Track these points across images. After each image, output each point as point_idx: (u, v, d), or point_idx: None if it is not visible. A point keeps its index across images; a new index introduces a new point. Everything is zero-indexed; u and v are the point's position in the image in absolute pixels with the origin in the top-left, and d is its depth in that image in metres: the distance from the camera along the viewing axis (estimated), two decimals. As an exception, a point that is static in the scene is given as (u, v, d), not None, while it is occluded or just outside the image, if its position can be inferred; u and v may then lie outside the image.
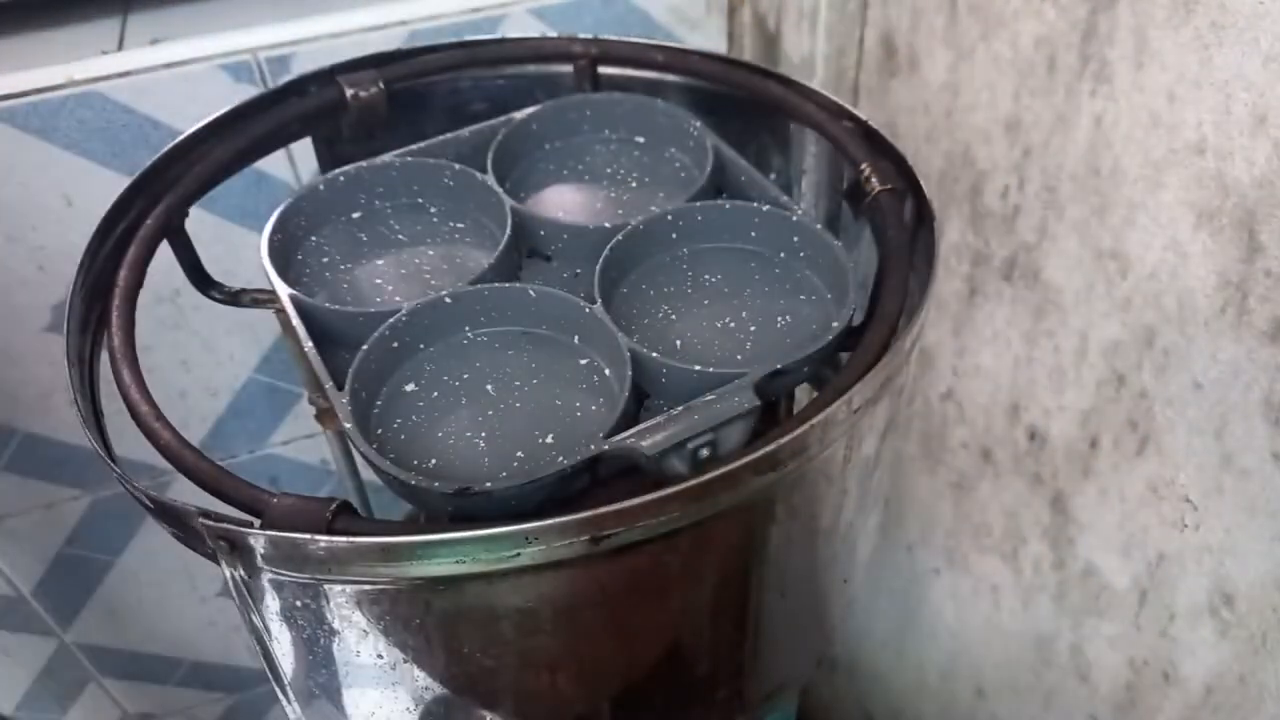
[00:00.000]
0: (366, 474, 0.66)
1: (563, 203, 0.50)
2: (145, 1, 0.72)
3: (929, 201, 0.44)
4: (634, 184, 0.50)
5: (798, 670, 0.50)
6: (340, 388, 0.38)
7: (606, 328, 0.40)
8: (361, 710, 0.41)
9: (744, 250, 0.46)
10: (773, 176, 0.54)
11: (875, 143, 0.48)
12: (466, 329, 0.43)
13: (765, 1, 0.73)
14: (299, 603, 0.36)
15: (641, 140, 0.53)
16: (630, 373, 0.39)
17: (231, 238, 0.72)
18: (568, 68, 0.55)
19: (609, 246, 0.43)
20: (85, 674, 0.93)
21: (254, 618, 0.37)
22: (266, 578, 0.35)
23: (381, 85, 0.52)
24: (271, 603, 0.36)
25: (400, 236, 0.48)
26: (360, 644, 0.37)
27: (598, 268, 0.42)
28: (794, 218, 0.45)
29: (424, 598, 0.35)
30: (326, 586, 0.34)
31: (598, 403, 0.40)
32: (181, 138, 0.49)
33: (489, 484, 0.35)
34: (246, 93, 0.52)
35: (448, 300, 0.42)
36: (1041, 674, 0.66)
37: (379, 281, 0.45)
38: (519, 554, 0.32)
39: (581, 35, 0.55)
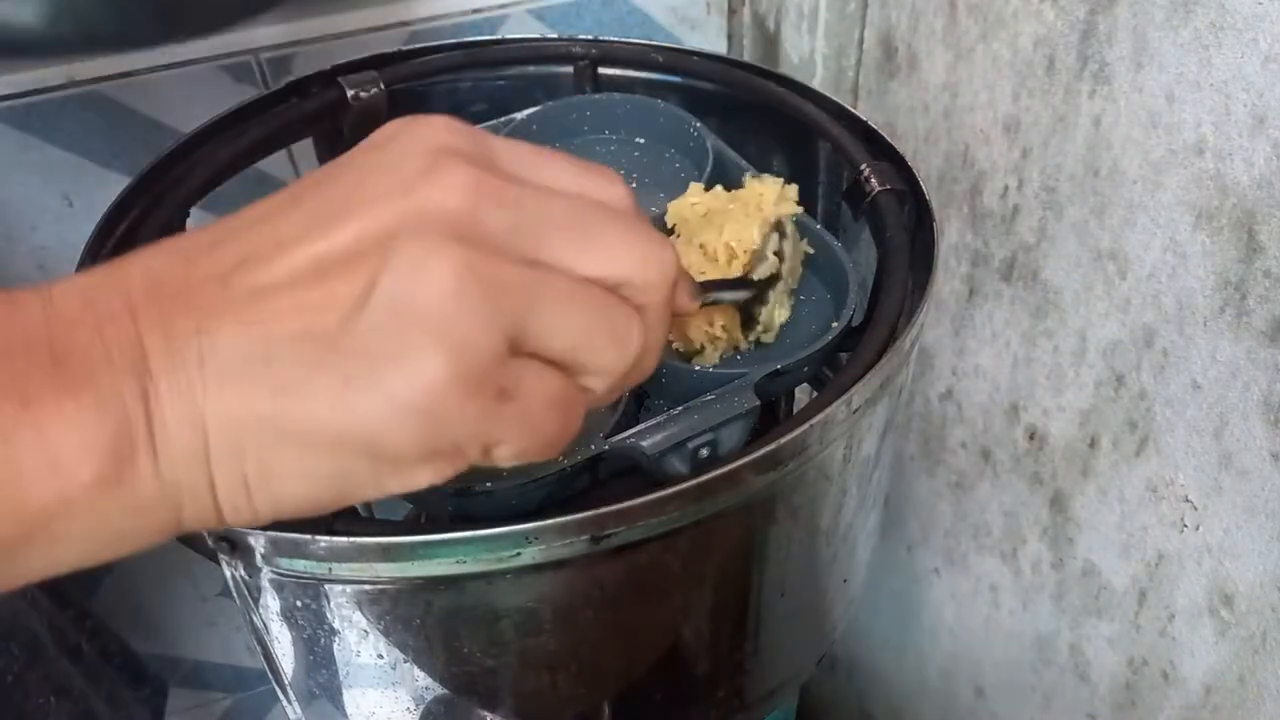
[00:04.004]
0: (367, 474, 0.66)
1: (563, 203, 0.50)
2: (146, 2, 0.72)
3: (928, 202, 0.45)
4: (634, 184, 0.50)
5: (797, 669, 0.50)
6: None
7: (606, 328, 0.40)
8: (362, 710, 0.41)
9: (744, 250, 0.46)
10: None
11: (874, 143, 0.48)
12: (467, 329, 0.43)
13: (765, 2, 0.73)
14: (299, 602, 0.36)
15: (641, 141, 0.53)
16: (630, 373, 0.39)
17: (232, 238, 0.72)
18: (568, 69, 0.55)
19: (609, 247, 0.43)
20: (85, 674, 0.93)
21: (254, 617, 0.37)
22: (267, 577, 0.35)
23: (382, 86, 0.52)
24: (272, 602, 0.36)
25: (400, 237, 0.48)
26: (360, 644, 0.37)
27: (598, 268, 0.42)
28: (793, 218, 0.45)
29: (424, 598, 0.35)
30: (327, 586, 0.34)
31: (598, 403, 0.40)
32: (182, 138, 0.49)
33: (489, 484, 0.35)
34: (247, 93, 0.52)
35: (448, 300, 0.42)
36: (1041, 673, 0.66)
37: (379, 282, 0.45)
38: (519, 554, 0.32)
39: (582, 36, 0.55)
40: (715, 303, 0.39)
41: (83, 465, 0.21)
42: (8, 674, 0.50)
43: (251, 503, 0.23)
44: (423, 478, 0.24)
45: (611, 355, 0.25)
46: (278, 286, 0.22)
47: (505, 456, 0.24)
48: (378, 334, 0.21)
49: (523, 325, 0.23)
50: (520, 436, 0.24)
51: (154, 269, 0.23)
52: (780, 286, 0.41)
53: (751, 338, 0.42)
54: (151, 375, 0.22)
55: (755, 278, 0.40)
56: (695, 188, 0.45)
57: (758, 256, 0.40)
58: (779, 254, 0.40)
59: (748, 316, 0.41)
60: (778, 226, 0.41)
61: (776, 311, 0.41)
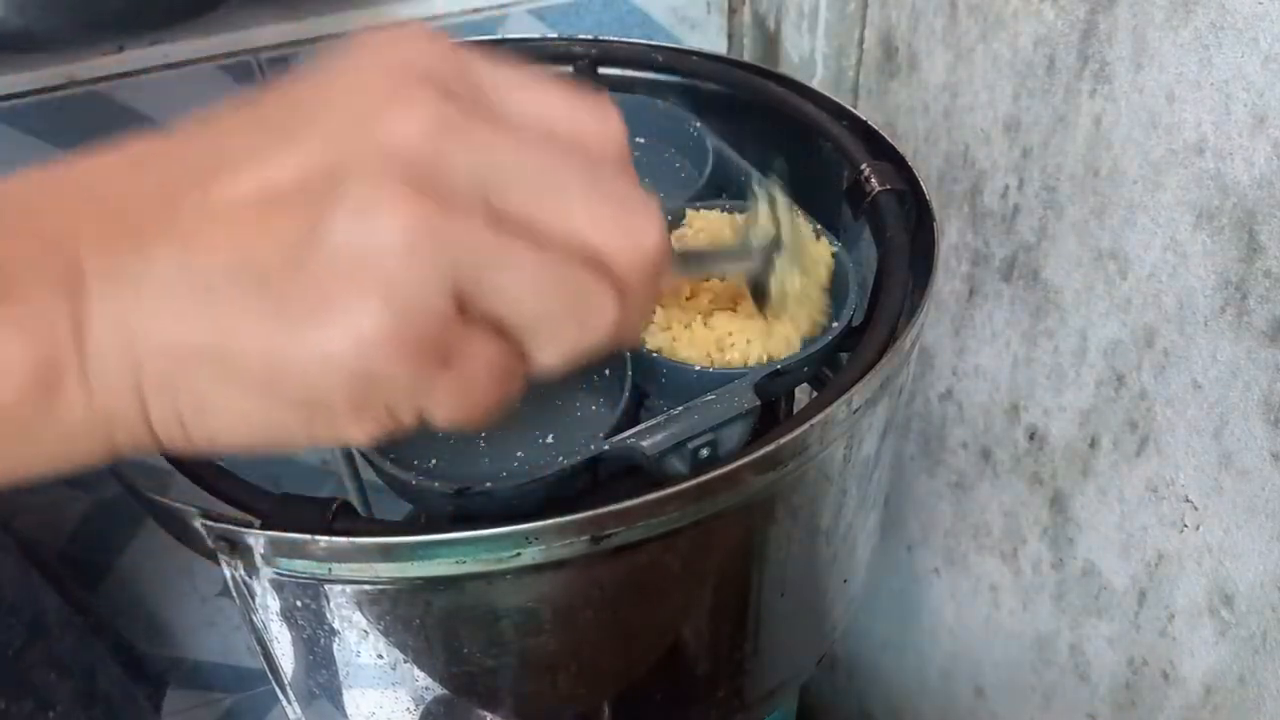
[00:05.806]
0: (367, 474, 0.66)
1: (563, 203, 0.50)
2: (145, 2, 0.72)
3: (928, 202, 0.45)
4: (634, 184, 0.50)
5: (797, 669, 0.50)
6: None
7: (606, 328, 0.40)
8: (362, 710, 0.41)
9: (744, 250, 0.46)
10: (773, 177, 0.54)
11: (875, 143, 0.48)
12: (466, 329, 0.43)
13: (765, 2, 0.73)
14: (299, 603, 0.36)
15: (641, 140, 0.53)
16: (630, 373, 0.39)
17: (232, 238, 0.72)
18: (568, 69, 0.55)
19: (609, 247, 0.43)
20: (85, 674, 0.93)
21: (254, 618, 0.37)
22: (267, 578, 0.35)
23: (382, 86, 0.52)
24: (271, 603, 0.36)
25: (400, 237, 0.48)
26: (360, 644, 0.37)
27: (598, 268, 0.42)
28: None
29: (424, 598, 0.35)
30: (326, 586, 0.34)
31: (598, 403, 0.40)
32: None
33: (489, 484, 0.35)
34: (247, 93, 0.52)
35: (448, 300, 0.42)
36: (1041, 673, 0.66)
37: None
38: (519, 554, 0.32)
39: (582, 36, 0.55)
40: (721, 276, 0.38)
41: (4, 385, 0.20)
42: (8, 648, 0.50)
43: (187, 434, 0.22)
44: (353, 434, 0.22)
45: (571, 335, 0.23)
46: (222, 213, 0.21)
47: (437, 422, 0.23)
48: (318, 280, 0.20)
49: (476, 289, 0.21)
50: (455, 406, 0.22)
51: (101, 177, 0.22)
52: (785, 254, 0.39)
53: (770, 313, 0.40)
54: (85, 297, 0.20)
55: (755, 244, 0.38)
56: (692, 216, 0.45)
57: (749, 223, 0.39)
58: (772, 220, 0.39)
59: (758, 290, 0.39)
60: (766, 199, 0.39)
61: (787, 279, 0.39)
